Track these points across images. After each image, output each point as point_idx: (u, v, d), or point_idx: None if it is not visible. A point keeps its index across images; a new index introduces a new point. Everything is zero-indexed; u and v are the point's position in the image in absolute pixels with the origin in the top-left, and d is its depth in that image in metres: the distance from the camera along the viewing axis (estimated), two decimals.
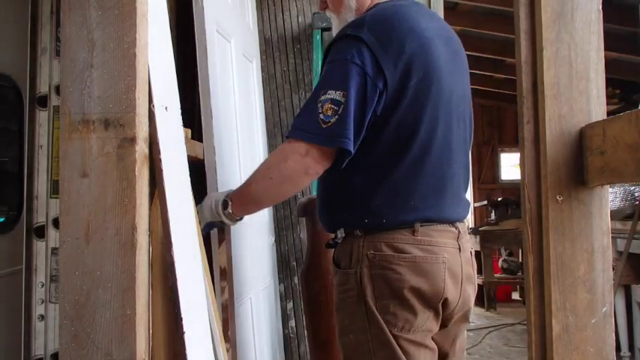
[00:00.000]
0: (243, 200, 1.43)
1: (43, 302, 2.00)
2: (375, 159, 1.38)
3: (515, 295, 6.73)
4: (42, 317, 1.99)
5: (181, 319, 1.33)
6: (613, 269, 2.13)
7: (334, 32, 1.57)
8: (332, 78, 1.33)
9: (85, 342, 1.11)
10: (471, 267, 1.46)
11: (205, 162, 1.85)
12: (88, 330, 1.11)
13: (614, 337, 1.25)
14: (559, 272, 1.23)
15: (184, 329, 1.33)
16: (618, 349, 3.68)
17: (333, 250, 1.52)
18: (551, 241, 1.23)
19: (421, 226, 1.36)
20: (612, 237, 1.53)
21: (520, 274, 6.30)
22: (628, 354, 3.71)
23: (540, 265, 1.27)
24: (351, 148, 1.30)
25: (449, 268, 1.38)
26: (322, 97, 1.31)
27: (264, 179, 1.37)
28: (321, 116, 1.29)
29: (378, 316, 1.34)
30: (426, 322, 1.38)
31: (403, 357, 1.35)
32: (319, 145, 1.31)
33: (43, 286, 2.00)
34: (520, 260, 6.55)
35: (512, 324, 5.34)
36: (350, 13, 1.51)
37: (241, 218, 1.49)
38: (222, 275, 1.58)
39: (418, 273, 1.34)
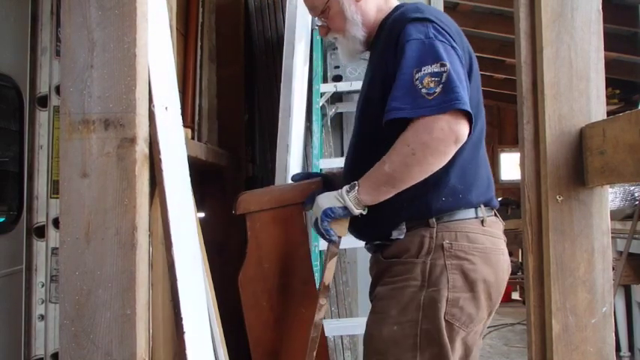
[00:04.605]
0: (374, 182, 1.34)
1: (43, 302, 1.99)
2: None
3: (515, 295, 6.72)
4: (42, 317, 1.99)
5: (181, 319, 1.33)
6: (613, 269, 2.13)
7: (344, 52, 1.57)
8: (420, 56, 1.29)
9: (85, 342, 1.11)
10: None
11: (277, 159, 1.83)
12: (88, 330, 1.12)
13: (614, 337, 1.25)
14: (559, 272, 1.23)
15: (184, 329, 1.33)
16: (618, 349, 3.68)
17: (379, 250, 1.46)
18: (551, 241, 1.23)
19: (488, 216, 1.40)
20: (612, 237, 1.53)
21: (520, 274, 6.30)
22: (628, 354, 3.70)
23: (540, 265, 1.27)
24: (469, 108, 1.25)
25: (505, 260, 1.41)
26: (417, 75, 1.27)
27: (405, 157, 1.28)
28: (424, 91, 1.25)
29: (440, 311, 1.31)
30: (483, 317, 1.40)
31: (450, 356, 1.32)
32: (442, 114, 1.25)
33: (43, 286, 2.00)
34: (520, 260, 6.54)
35: (512, 324, 5.33)
36: (357, 27, 1.49)
37: (365, 209, 1.38)
38: (323, 292, 1.45)
39: (488, 264, 1.36)
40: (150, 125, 1.26)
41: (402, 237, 1.40)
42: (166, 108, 1.39)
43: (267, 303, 1.60)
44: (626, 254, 3.41)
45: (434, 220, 1.37)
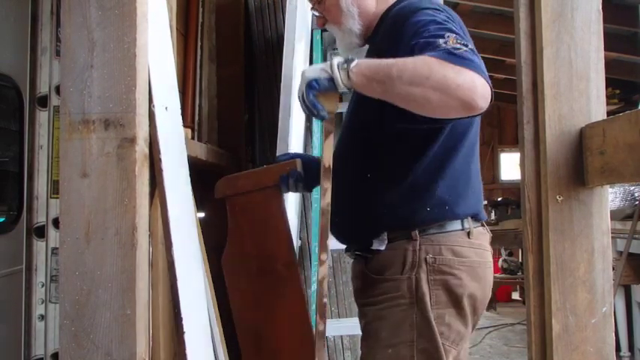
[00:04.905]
0: (373, 71, 1.18)
1: (43, 302, 1.99)
2: (437, 149, 1.29)
3: (515, 295, 6.73)
4: (42, 317, 1.99)
5: (181, 319, 1.33)
6: (613, 269, 2.13)
7: (340, 45, 1.50)
8: (445, 25, 1.18)
9: (85, 342, 1.11)
10: None
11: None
12: (88, 330, 1.12)
13: (614, 337, 1.25)
14: (559, 272, 1.23)
15: (184, 329, 1.33)
16: (618, 349, 3.68)
17: (362, 261, 1.37)
18: (551, 241, 1.23)
19: (475, 227, 1.32)
20: (612, 237, 1.52)
21: (520, 274, 6.30)
22: (628, 354, 3.70)
23: (540, 265, 1.27)
24: (490, 84, 1.12)
25: (492, 273, 1.35)
26: (442, 33, 1.15)
27: (417, 74, 1.11)
28: (450, 46, 1.12)
29: (435, 328, 1.24)
30: (470, 332, 1.32)
31: None
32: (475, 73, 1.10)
33: (43, 286, 2.00)
34: (520, 260, 6.55)
35: (512, 324, 5.34)
36: (353, 20, 1.42)
37: (351, 89, 1.25)
38: (325, 174, 1.33)
39: (475, 278, 1.29)
40: (150, 125, 1.26)
41: (382, 248, 1.31)
42: (166, 108, 1.39)
43: (248, 285, 1.59)
44: (626, 254, 3.41)
45: (417, 232, 1.28)
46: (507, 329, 5.23)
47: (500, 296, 6.44)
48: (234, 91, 2.95)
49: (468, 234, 1.30)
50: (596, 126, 1.21)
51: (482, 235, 1.36)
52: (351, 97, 1.49)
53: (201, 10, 2.66)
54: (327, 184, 1.32)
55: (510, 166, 8.66)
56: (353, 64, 1.19)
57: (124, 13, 1.16)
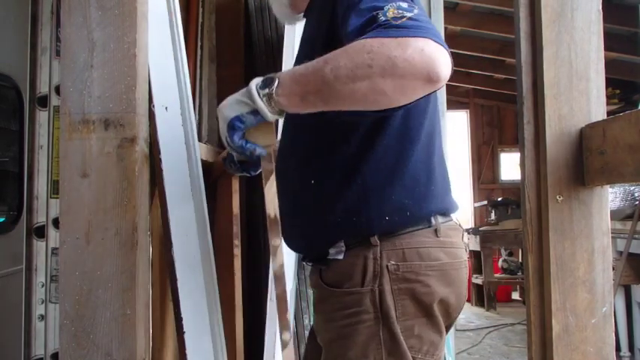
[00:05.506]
0: (303, 85, 0.98)
1: (43, 302, 2.00)
2: (389, 141, 1.12)
3: (515, 295, 6.73)
4: (42, 317, 1.99)
5: (181, 319, 1.33)
6: (613, 269, 2.13)
7: (277, 15, 1.36)
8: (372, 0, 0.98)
9: (85, 342, 1.11)
10: None
11: None
12: (88, 330, 1.11)
13: (614, 337, 1.25)
14: (559, 272, 1.23)
15: (184, 329, 1.33)
16: (618, 349, 3.68)
17: (317, 271, 1.21)
18: (551, 241, 1.23)
19: (442, 223, 1.16)
20: (612, 237, 1.52)
21: (520, 274, 6.30)
22: (628, 354, 3.70)
23: (540, 265, 1.27)
24: (447, 47, 0.94)
25: (466, 272, 1.20)
26: (378, 11, 0.95)
27: (357, 65, 0.91)
28: (389, 17, 0.93)
29: (403, 344, 1.09)
30: (444, 338, 1.18)
31: None
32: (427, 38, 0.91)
33: (43, 286, 2.00)
34: (520, 260, 6.55)
35: (512, 324, 5.34)
36: None
37: (283, 113, 1.05)
38: (272, 227, 1.16)
39: (446, 282, 1.13)
40: (150, 125, 1.26)
41: (340, 257, 1.14)
42: (166, 108, 1.39)
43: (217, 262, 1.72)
44: (626, 254, 3.41)
45: (376, 237, 1.11)
46: (507, 329, 5.23)
47: (500, 296, 6.45)
48: (234, 91, 2.95)
49: (436, 231, 1.14)
50: (596, 126, 1.21)
51: (453, 231, 1.19)
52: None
53: (201, 10, 2.66)
54: (276, 241, 1.13)
55: (510, 166, 8.66)
56: (275, 85, 1.00)
57: (124, 13, 1.16)
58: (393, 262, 1.10)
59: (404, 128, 1.13)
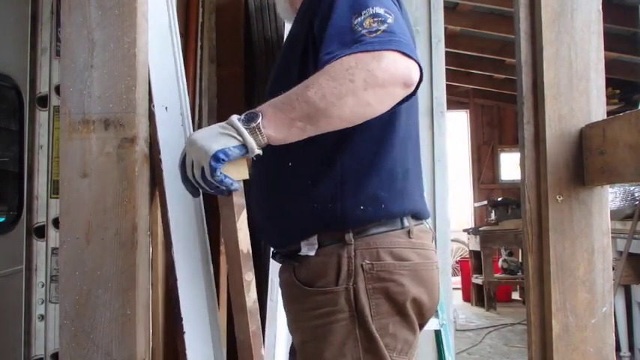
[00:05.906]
0: (289, 112, 1.00)
1: (43, 302, 2.00)
2: (369, 134, 1.15)
3: (515, 295, 6.73)
4: (42, 317, 1.99)
5: (181, 319, 1.33)
6: (613, 269, 2.13)
7: (278, 9, 1.40)
8: (362, 3, 1.05)
9: (85, 342, 1.11)
10: None
11: None
12: (88, 330, 1.12)
13: (614, 337, 1.25)
14: (559, 272, 1.23)
15: (184, 329, 1.33)
16: (618, 349, 3.68)
17: (290, 268, 1.20)
18: (551, 241, 1.23)
19: (414, 225, 1.18)
20: (612, 237, 1.52)
21: (520, 274, 6.30)
22: (628, 354, 3.70)
23: (540, 265, 1.27)
24: (418, 58, 1.01)
25: (438, 274, 1.23)
26: (356, 21, 1.02)
27: (340, 83, 0.96)
28: (364, 31, 1.00)
29: (379, 342, 1.11)
30: (417, 339, 1.20)
31: None
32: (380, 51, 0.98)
33: (43, 286, 2.00)
34: (520, 260, 6.55)
35: (512, 324, 5.34)
36: None
37: (264, 148, 1.05)
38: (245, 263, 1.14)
39: (419, 282, 1.16)
40: (150, 125, 1.26)
41: (312, 254, 1.15)
42: (166, 108, 1.39)
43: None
44: (626, 254, 3.41)
45: (350, 235, 1.12)
46: (507, 329, 5.23)
47: (500, 296, 6.44)
48: (234, 91, 2.95)
49: (408, 233, 1.16)
50: (596, 126, 1.21)
51: (424, 234, 1.22)
52: (270, 73, 1.33)
53: (201, 10, 2.66)
54: (249, 275, 1.11)
55: (510, 166, 8.66)
56: (259, 120, 1.00)
57: (124, 13, 1.16)
58: (367, 261, 1.12)
59: (380, 127, 1.15)
